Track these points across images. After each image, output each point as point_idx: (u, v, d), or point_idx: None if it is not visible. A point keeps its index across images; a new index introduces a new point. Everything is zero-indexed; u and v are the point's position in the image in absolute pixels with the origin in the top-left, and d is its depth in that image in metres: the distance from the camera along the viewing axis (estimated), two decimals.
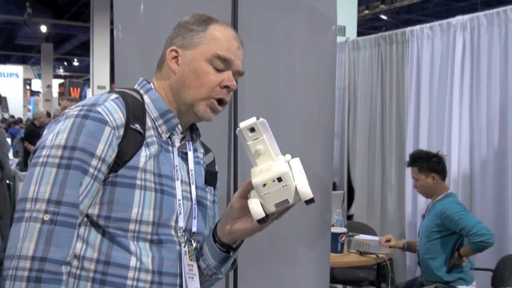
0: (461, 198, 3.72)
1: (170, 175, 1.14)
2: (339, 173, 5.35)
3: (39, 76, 19.70)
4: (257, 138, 1.03)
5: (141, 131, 1.11)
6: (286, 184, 1.00)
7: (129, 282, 1.06)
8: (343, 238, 3.43)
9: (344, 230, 3.50)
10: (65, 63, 21.99)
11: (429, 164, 3.31)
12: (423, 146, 4.12)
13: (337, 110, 5.23)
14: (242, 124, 1.04)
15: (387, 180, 4.72)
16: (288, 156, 1.09)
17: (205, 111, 1.17)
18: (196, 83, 1.16)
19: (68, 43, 17.48)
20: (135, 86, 1.22)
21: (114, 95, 1.13)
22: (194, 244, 1.17)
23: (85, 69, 19.50)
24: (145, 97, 1.18)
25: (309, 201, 1.01)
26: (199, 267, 1.20)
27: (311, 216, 2.51)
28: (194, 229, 1.17)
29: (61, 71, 23.11)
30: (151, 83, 1.23)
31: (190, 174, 1.19)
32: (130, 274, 1.07)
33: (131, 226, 1.07)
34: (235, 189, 2.24)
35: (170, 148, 1.17)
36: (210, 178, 1.28)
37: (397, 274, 4.49)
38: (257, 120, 1.03)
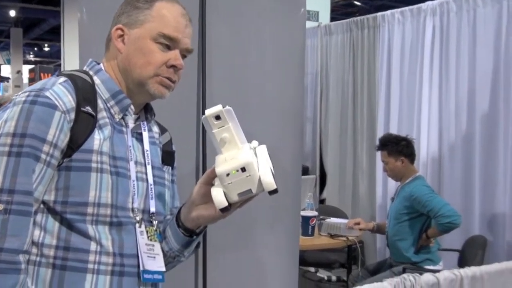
0: (430, 181, 3.79)
1: (124, 157, 1.12)
2: (311, 158, 5.39)
3: (8, 61, 19.22)
4: (223, 126, 1.02)
5: (93, 113, 1.09)
6: (250, 174, 0.99)
7: (90, 266, 1.06)
8: (314, 221, 3.47)
9: (315, 213, 3.54)
10: (35, 49, 21.49)
11: (398, 147, 3.36)
12: (394, 130, 4.18)
13: (309, 95, 5.27)
14: (208, 112, 1.02)
15: (359, 164, 4.77)
16: (255, 143, 1.08)
17: (157, 88, 1.15)
18: (142, 62, 1.13)
19: (38, 28, 17.06)
20: (84, 68, 1.19)
21: (62, 78, 1.10)
22: (155, 224, 1.17)
23: (56, 54, 19.09)
24: (95, 78, 1.16)
25: (272, 192, 1.00)
26: (162, 250, 1.19)
27: (281, 200, 2.53)
28: (152, 209, 1.16)
29: (31, 57, 22.60)
30: (101, 64, 1.20)
31: (146, 155, 1.18)
32: (91, 258, 1.06)
33: (89, 210, 1.05)
34: (204, 170, 2.24)
35: (124, 129, 1.15)
36: (167, 157, 1.27)
37: (368, 256, 4.57)
38: (223, 108, 1.02)
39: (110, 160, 1.09)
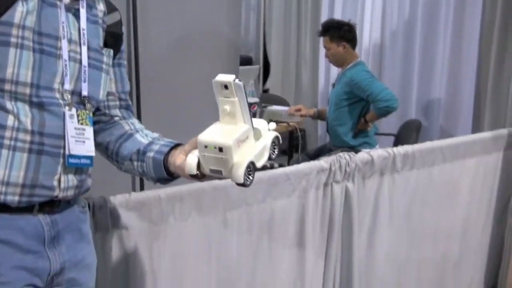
0: (371, 66, 3.82)
1: (54, 34, 1.02)
2: (255, 47, 5.28)
3: None
4: (228, 98, 0.96)
5: None
6: (225, 157, 0.94)
7: (6, 142, 0.99)
8: (255, 108, 3.46)
9: (255, 99, 3.52)
10: None
11: (340, 33, 3.31)
12: (338, 16, 4.11)
13: None
14: (218, 78, 0.96)
15: (302, 52, 4.73)
16: (272, 125, 1.03)
17: None
18: None
19: None
20: None
21: None
22: (88, 108, 1.10)
23: None
24: None
25: (240, 185, 0.96)
26: (133, 162, 1.16)
27: None
28: (84, 93, 1.09)
29: None
30: None
31: (82, 34, 1.08)
32: (8, 133, 0.99)
33: (7, 87, 0.98)
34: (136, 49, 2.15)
35: (58, 3, 1.04)
36: (112, 39, 1.17)
37: (309, 144, 4.68)
38: (234, 80, 0.95)
39: (34, 36, 0.99)
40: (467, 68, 3.41)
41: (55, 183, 1.05)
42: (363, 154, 2.10)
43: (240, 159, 0.95)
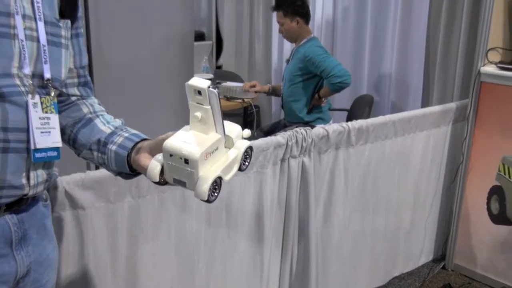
0: (323, 42, 3.84)
1: (5, 10, 0.89)
2: (207, 23, 5.20)
3: None
4: (201, 104, 0.88)
5: None
6: (190, 170, 0.86)
7: None
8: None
9: (210, 75, 3.48)
10: None
11: (294, 7, 3.30)
12: None
13: None
14: (192, 81, 0.87)
15: (255, 28, 4.69)
16: (246, 132, 0.95)
17: None
18: None
19: None
20: None
21: None
22: (52, 93, 0.97)
23: None
24: None
25: (203, 200, 0.89)
26: (92, 152, 1.05)
27: (173, 64, 2.44)
28: (47, 75, 0.96)
29: None
30: None
31: (36, 7, 0.94)
32: None
33: None
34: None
35: None
36: (68, 7, 1.02)
37: (263, 120, 4.69)
38: (209, 87, 0.86)
39: None
40: (416, 44, 3.48)
41: (24, 181, 0.95)
42: (319, 129, 2.13)
43: (206, 173, 0.87)
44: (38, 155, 0.95)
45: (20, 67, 0.92)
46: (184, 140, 0.88)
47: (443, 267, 2.86)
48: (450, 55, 3.17)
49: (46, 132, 0.96)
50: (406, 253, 2.73)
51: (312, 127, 3.29)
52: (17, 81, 0.91)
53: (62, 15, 1.01)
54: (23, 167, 0.94)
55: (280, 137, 2.00)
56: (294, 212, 2.09)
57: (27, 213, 1.00)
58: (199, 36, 4.79)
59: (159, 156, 0.91)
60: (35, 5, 0.94)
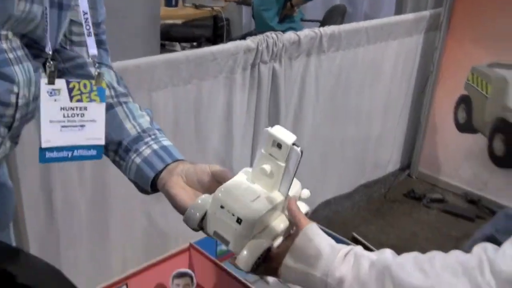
0: None
1: None
2: None
3: None
4: (275, 159, 0.74)
5: None
6: (241, 231, 0.73)
7: None
8: None
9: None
10: None
11: None
12: None
13: None
14: (274, 130, 0.73)
15: None
16: (305, 192, 0.81)
17: None
18: None
19: None
20: None
21: None
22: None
23: None
24: None
25: (238, 268, 0.75)
26: (108, 152, 0.86)
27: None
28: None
29: None
30: None
31: None
32: None
33: None
34: None
35: None
36: None
37: (234, 31, 4.57)
38: (293, 144, 0.72)
39: None
40: None
41: None
42: (290, 34, 2.07)
43: (256, 241, 0.74)
44: None
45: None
46: (244, 195, 0.74)
47: (409, 175, 2.94)
48: None
49: None
50: (374, 161, 2.78)
51: None
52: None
53: None
54: None
55: (250, 41, 1.93)
56: (264, 118, 2.07)
57: None
58: None
59: (204, 200, 0.76)
60: None
